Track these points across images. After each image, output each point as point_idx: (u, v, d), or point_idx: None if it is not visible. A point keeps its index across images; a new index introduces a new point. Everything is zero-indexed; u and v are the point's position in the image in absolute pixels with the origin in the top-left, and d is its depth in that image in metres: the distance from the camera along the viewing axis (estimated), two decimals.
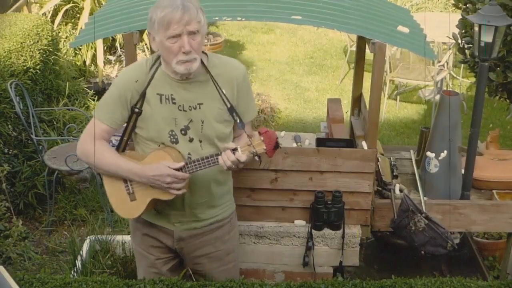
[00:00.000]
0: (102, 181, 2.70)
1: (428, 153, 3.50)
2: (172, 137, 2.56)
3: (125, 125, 2.62)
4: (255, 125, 6.11)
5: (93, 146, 2.57)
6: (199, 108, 2.55)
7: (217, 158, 2.49)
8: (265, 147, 2.43)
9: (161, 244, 2.80)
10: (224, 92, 2.56)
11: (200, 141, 2.59)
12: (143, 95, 2.54)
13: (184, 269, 2.89)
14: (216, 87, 2.55)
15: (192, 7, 2.40)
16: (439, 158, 3.46)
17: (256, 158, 2.46)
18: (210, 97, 2.57)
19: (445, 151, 3.44)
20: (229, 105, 2.57)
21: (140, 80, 2.54)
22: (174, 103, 2.54)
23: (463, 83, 7.02)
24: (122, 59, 6.82)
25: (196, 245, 2.78)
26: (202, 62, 2.53)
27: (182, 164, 2.51)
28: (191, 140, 2.58)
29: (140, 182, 2.57)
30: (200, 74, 2.55)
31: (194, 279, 2.80)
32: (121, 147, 2.66)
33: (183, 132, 2.56)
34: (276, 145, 2.45)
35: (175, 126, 2.56)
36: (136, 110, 2.55)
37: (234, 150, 2.45)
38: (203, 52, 2.55)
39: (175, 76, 2.53)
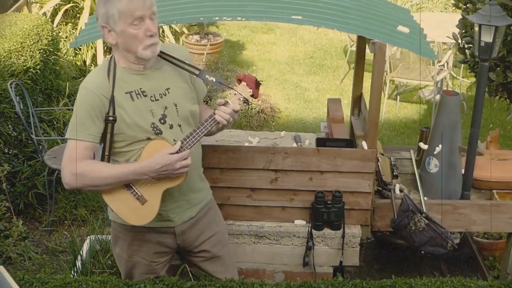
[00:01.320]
0: (104, 200, 2.62)
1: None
2: (155, 129, 2.55)
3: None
4: (255, 124, 6.11)
5: (83, 167, 2.50)
6: (168, 93, 2.59)
7: (213, 118, 2.54)
8: (250, 90, 2.58)
9: (162, 247, 2.79)
10: (186, 62, 2.63)
11: (179, 125, 2.61)
12: (112, 101, 2.50)
13: (182, 266, 2.89)
14: (176, 62, 2.60)
15: None
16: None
17: (245, 103, 2.60)
18: (172, 79, 2.61)
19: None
20: (197, 72, 2.62)
21: (104, 85, 2.51)
22: (145, 96, 2.55)
23: (463, 83, 7.02)
24: None
25: (196, 232, 2.81)
26: None
27: (179, 144, 2.53)
28: (171, 126, 2.59)
29: (146, 179, 2.54)
30: (154, 62, 2.58)
31: (191, 275, 2.81)
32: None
33: (162, 121, 2.57)
34: (257, 84, 2.61)
35: (153, 117, 2.55)
36: (110, 118, 2.51)
37: (225, 104, 2.55)
38: None
39: (137, 68, 2.54)
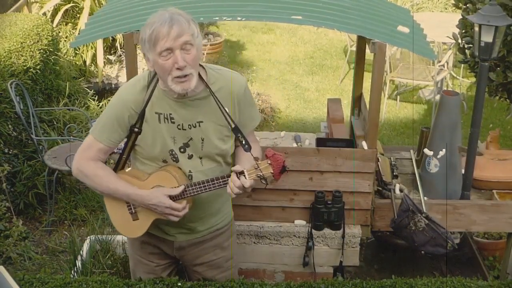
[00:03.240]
0: (103, 200, 2.66)
1: (426, 150, 3.51)
2: (172, 156, 2.51)
3: (124, 142, 2.56)
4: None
5: (89, 169, 2.53)
6: (199, 126, 2.49)
7: (221, 182, 2.44)
8: (272, 171, 2.37)
9: (160, 251, 2.77)
10: (227, 110, 2.49)
11: (200, 158, 2.53)
12: (142, 115, 2.47)
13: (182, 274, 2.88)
14: (217, 104, 2.48)
15: (181, 19, 2.31)
16: (438, 156, 3.46)
17: (263, 181, 2.40)
18: (210, 115, 2.49)
19: (443, 150, 3.44)
20: (233, 125, 2.50)
21: (138, 99, 2.47)
22: (173, 122, 2.47)
23: (463, 83, 7.02)
24: (122, 59, 6.82)
25: (196, 253, 2.75)
26: (200, 76, 2.45)
27: (181, 189, 2.46)
28: (190, 157, 2.52)
29: None
30: (200, 91, 2.47)
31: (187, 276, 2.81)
32: (120, 165, 2.61)
33: (182, 150, 2.51)
34: (283, 169, 2.39)
35: (174, 144, 2.50)
36: (136, 129, 2.48)
37: (240, 173, 2.39)
38: (200, 65, 2.46)
39: (173, 94, 2.44)
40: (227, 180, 2.41)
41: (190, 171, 2.52)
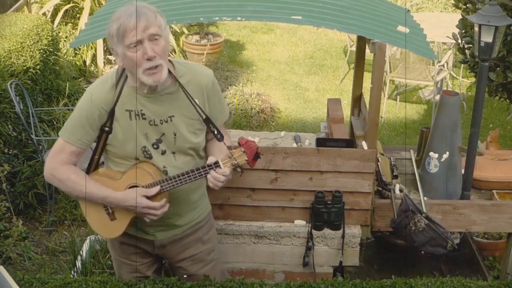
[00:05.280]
0: (79, 202, 2.64)
1: (431, 154, 3.50)
2: (145, 152, 2.51)
3: (95, 143, 2.55)
4: (255, 125, 6.11)
5: (62, 173, 2.51)
6: (171, 121, 2.50)
7: (196, 174, 2.45)
8: (246, 158, 2.42)
9: (141, 250, 2.76)
10: (197, 101, 2.51)
11: (173, 153, 2.54)
12: (111, 114, 2.46)
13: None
14: (188, 97, 2.49)
15: (147, 11, 2.33)
16: (441, 160, 3.46)
17: (238, 169, 2.45)
18: (181, 109, 2.51)
19: (447, 153, 3.44)
20: (204, 116, 2.52)
21: (107, 98, 2.46)
22: (145, 119, 2.48)
23: (463, 83, 7.02)
24: None
25: (177, 249, 2.75)
26: (169, 71, 2.45)
27: (157, 189, 2.47)
28: (163, 152, 2.53)
29: None
30: (169, 84, 2.48)
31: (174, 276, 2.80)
32: (92, 166, 2.59)
33: (154, 146, 2.51)
34: (257, 155, 2.44)
35: (147, 141, 2.50)
36: (106, 129, 2.48)
37: (215, 164, 2.43)
38: (169, 61, 2.47)
39: (143, 90, 2.45)
40: (202, 171, 2.45)
41: (164, 167, 2.53)
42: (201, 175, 2.46)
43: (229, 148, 2.47)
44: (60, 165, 2.51)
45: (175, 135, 2.51)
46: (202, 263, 2.81)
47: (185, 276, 2.78)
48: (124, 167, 2.55)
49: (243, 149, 2.41)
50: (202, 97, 2.54)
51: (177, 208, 2.63)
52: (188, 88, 2.50)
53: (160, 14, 2.38)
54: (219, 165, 2.43)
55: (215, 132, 2.55)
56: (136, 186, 2.50)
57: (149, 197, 2.47)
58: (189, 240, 2.75)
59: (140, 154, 2.51)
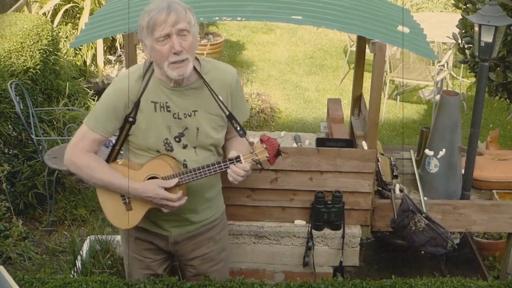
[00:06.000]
0: (96, 190, 2.66)
1: (427, 151, 3.51)
2: (167, 145, 2.53)
3: (117, 133, 2.57)
4: (255, 124, 6.11)
5: (83, 160, 2.54)
6: (194, 115, 2.53)
7: (217, 167, 2.48)
8: (267, 155, 2.44)
9: (154, 247, 2.78)
10: (221, 98, 2.54)
11: (195, 147, 2.56)
12: (137, 104, 2.50)
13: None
14: (211, 94, 2.52)
15: (178, 7, 2.38)
16: (438, 156, 3.46)
17: (259, 165, 2.47)
18: (205, 104, 2.54)
19: (444, 149, 3.44)
20: (227, 113, 2.55)
21: (133, 89, 2.49)
22: (169, 111, 2.51)
23: (463, 83, 7.02)
24: (122, 59, 6.83)
25: (190, 247, 2.77)
26: (195, 68, 2.50)
27: (175, 181, 2.48)
28: (185, 146, 2.55)
29: None
30: (194, 80, 2.52)
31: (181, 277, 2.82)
32: (112, 156, 2.62)
33: (177, 139, 2.54)
34: (278, 153, 2.46)
35: (169, 134, 2.53)
36: (130, 119, 2.50)
37: (237, 158, 2.45)
38: (196, 58, 2.52)
39: (169, 83, 2.49)
40: (222, 165, 2.47)
41: (184, 160, 2.55)
42: (222, 169, 2.48)
43: (251, 144, 2.48)
44: (81, 152, 2.55)
45: (197, 129, 2.54)
46: (212, 262, 2.83)
47: (193, 275, 2.81)
48: (144, 159, 2.57)
49: (265, 146, 2.44)
50: (226, 94, 2.57)
51: (193, 205, 2.65)
52: (212, 85, 2.53)
53: (191, 11, 2.43)
54: (240, 160, 2.45)
55: (238, 128, 2.56)
56: (156, 178, 2.51)
57: (167, 189, 2.49)
58: (202, 238, 2.77)
59: (162, 146, 2.53)
